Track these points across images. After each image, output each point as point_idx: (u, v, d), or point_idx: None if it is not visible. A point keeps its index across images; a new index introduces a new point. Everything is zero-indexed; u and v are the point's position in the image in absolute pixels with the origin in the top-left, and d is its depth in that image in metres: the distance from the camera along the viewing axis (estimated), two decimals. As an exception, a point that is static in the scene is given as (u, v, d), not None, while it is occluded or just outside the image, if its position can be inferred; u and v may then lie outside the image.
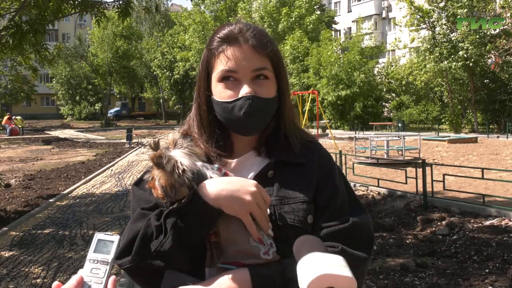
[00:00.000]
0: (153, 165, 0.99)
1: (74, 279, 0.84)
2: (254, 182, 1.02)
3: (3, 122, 29.64)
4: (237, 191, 0.99)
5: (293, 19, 31.56)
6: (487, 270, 4.61)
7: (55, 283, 0.84)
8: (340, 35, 40.95)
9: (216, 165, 1.06)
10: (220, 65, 1.10)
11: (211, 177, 1.02)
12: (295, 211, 1.07)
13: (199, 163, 1.03)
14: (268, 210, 1.03)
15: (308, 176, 1.13)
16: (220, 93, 1.10)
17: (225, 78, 1.10)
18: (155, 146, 1.00)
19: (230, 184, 1.00)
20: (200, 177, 1.01)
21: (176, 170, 0.97)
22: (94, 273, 0.85)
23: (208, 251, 1.02)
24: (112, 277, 0.86)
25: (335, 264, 0.86)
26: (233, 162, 1.13)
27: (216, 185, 1.00)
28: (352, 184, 9.14)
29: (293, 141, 1.16)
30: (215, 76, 1.12)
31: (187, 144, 1.05)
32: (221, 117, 1.12)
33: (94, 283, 0.84)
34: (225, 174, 1.05)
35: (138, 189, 1.14)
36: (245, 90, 1.08)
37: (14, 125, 29.14)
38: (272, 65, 1.12)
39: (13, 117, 30.50)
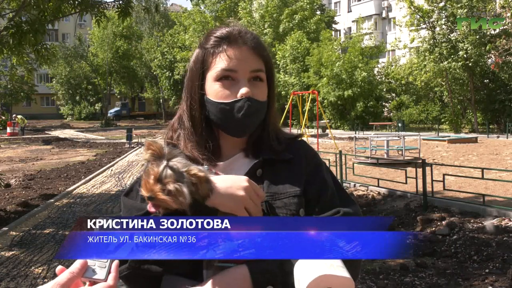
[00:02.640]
0: (201, 180, 0.97)
1: (78, 263, 0.85)
2: (245, 177, 1.02)
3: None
4: (230, 187, 0.99)
5: (296, 20, 31.57)
6: (487, 270, 4.61)
7: (59, 267, 0.85)
8: (340, 35, 40.96)
9: (206, 166, 1.05)
10: (219, 64, 1.10)
11: None
12: (287, 205, 1.08)
13: (199, 167, 1.02)
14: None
15: (297, 171, 1.14)
16: (216, 92, 1.10)
17: (223, 77, 1.09)
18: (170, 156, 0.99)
19: (222, 182, 1.00)
20: None
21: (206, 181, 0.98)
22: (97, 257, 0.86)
23: None
24: (116, 262, 0.87)
25: (333, 265, 0.86)
26: (222, 164, 1.13)
27: None
28: (352, 184, 9.17)
29: (278, 142, 1.17)
30: (211, 75, 1.11)
31: (179, 153, 1.03)
32: (216, 117, 1.11)
33: (97, 267, 0.86)
34: (216, 174, 1.05)
35: (128, 199, 1.12)
36: (244, 90, 1.08)
37: (12, 125, 29.08)
38: (266, 69, 1.14)
39: (14, 116, 30.44)
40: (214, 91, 1.10)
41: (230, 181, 1.01)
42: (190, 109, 1.15)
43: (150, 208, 0.98)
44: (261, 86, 1.12)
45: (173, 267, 1.00)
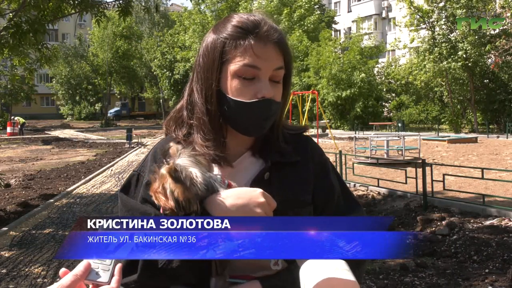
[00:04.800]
0: (169, 178, 0.95)
1: (81, 265, 0.85)
2: (260, 191, 0.99)
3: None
4: (246, 205, 0.96)
5: (295, 19, 31.58)
6: (487, 270, 4.61)
7: (62, 269, 0.85)
8: (340, 35, 40.96)
9: (219, 176, 1.03)
10: (243, 59, 1.02)
11: (217, 189, 0.99)
12: (297, 214, 1.07)
13: (207, 174, 1.00)
14: None
15: (305, 176, 1.12)
16: (235, 89, 1.04)
17: (244, 74, 1.03)
18: (164, 154, 0.98)
19: (238, 198, 0.97)
20: (210, 189, 0.99)
21: (194, 184, 0.95)
22: (101, 260, 0.87)
23: (213, 261, 1.00)
24: (119, 265, 0.88)
25: (338, 268, 0.87)
26: (233, 164, 1.11)
27: (225, 200, 0.97)
28: (352, 184, 9.16)
29: (286, 141, 1.15)
30: (232, 69, 1.03)
31: (191, 154, 1.00)
32: (232, 115, 1.06)
33: (101, 270, 0.86)
34: (229, 185, 1.03)
35: (128, 198, 1.09)
36: (266, 91, 1.03)
37: (11, 125, 29.10)
38: (285, 68, 1.09)
39: (13, 117, 30.44)
40: (233, 87, 1.04)
41: (246, 198, 0.97)
42: (205, 101, 1.08)
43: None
44: (279, 87, 1.08)
45: (179, 278, 0.98)
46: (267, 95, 1.03)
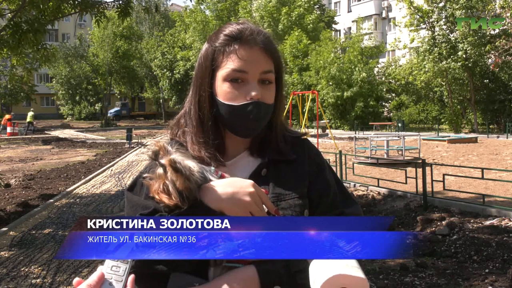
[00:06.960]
0: (169, 170, 0.99)
1: (95, 275, 0.86)
2: (251, 182, 1.03)
3: (1, 122, 29.55)
4: (236, 193, 1.01)
5: (293, 18, 31.59)
6: (487, 270, 4.62)
7: (76, 279, 0.86)
8: (340, 35, 40.97)
9: (212, 168, 1.07)
10: (230, 64, 1.09)
11: (210, 180, 1.03)
12: (292, 206, 1.10)
13: (200, 166, 1.04)
14: (265, 207, 1.05)
15: (300, 172, 1.16)
16: (225, 93, 1.09)
17: (233, 78, 1.09)
18: (155, 156, 1.01)
19: (229, 186, 1.02)
20: (205, 179, 1.03)
21: (193, 173, 0.99)
22: (114, 270, 0.88)
23: None
24: (132, 276, 0.89)
25: (348, 265, 0.87)
26: (228, 163, 1.15)
27: (216, 188, 1.02)
28: (352, 184, 9.16)
29: (283, 140, 1.19)
30: (221, 74, 1.10)
31: (176, 149, 1.04)
32: (225, 118, 1.11)
33: (114, 281, 0.87)
34: (222, 176, 1.06)
35: (132, 194, 1.13)
36: (254, 93, 1.08)
37: (12, 125, 29.12)
38: (275, 70, 1.14)
39: (32, 109, 30.44)
40: (223, 91, 1.10)
41: (237, 186, 1.02)
42: (198, 107, 1.14)
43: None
44: (270, 88, 1.12)
45: (178, 266, 1.01)
46: (255, 97, 1.08)
